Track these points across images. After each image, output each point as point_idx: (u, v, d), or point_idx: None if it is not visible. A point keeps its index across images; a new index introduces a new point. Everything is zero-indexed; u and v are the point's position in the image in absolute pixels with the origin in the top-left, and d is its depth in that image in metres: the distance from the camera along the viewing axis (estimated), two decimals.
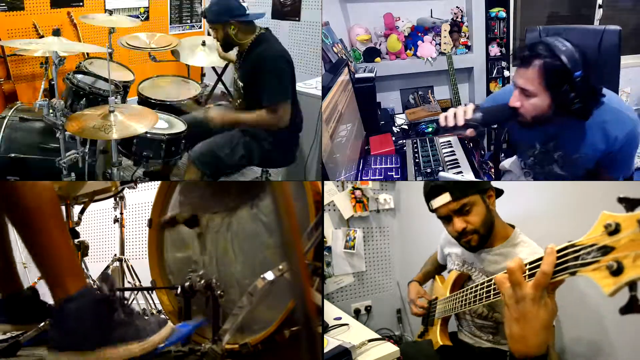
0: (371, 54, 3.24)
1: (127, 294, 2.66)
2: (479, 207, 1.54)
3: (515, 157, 2.06)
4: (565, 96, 1.48)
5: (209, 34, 4.25)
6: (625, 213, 0.72)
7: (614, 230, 0.72)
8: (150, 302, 2.58)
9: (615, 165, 1.66)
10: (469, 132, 1.68)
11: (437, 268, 1.99)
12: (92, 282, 2.41)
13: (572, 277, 0.81)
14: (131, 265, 2.65)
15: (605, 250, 0.73)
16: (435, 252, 2.04)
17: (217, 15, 2.40)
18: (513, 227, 1.63)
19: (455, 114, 1.64)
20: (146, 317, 1.13)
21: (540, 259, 0.84)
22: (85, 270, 2.36)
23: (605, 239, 0.74)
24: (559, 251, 0.83)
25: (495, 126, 2.45)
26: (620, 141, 1.58)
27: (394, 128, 3.20)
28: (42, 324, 1.25)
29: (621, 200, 0.72)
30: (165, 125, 2.58)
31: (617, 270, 0.70)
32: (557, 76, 1.46)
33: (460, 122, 1.62)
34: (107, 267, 2.64)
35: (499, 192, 1.68)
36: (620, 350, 1.58)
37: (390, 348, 1.63)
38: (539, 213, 1.90)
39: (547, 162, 1.77)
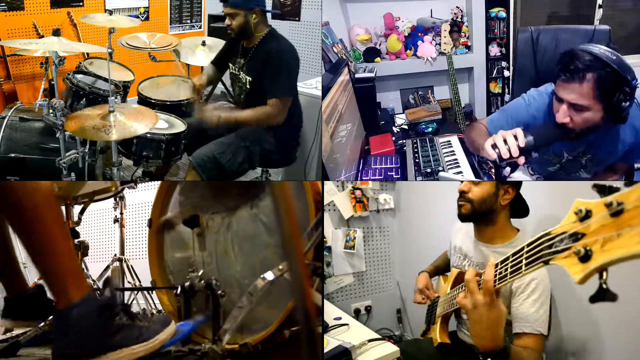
0: (371, 54, 3.24)
1: (127, 294, 2.66)
2: (487, 186, 1.62)
3: (520, 167, 2.06)
4: (618, 105, 1.45)
5: (209, 34, 4.26)
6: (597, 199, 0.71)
7: (584, 216, 0.71)
8: (150, 302, 2.58)
9: (638, 153, 1.71)
10: (521, 160, 1.47)
11: (447, 264, 2.00)
12: (92, 282, 2.41)
13: (567, 272, 0.82)
14: (131, 265, 2.65)
15: (577, 237, 0.73)
16: (446, 250, 2.06)
17: (245, 0, 2.38)
18: (518, 230, 1.66)
19: (506, 141, 1.45)
20: (149, 317, 1.13)
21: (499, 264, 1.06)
22: (86, 272, 2.36)
23: (577, 226, 0.73)
24: (535, 240, 0.86)
25: None
26: None
27: (394, 128, 3.20)
28: (42, 324, 1.26)
29: (596, 186, 0.71)
30: (165, 125, 2.58)
31: (584, 257, 0.69)
32: (611, 87, 1.42)
33: (516, 153, 1.45)
34: (107, 267, 2.64)
35: (524, 211, 1.68)
36: (610, 347, 1.61)
37: (390, 348, 1.62)
38: (539, 212, 1.90)
39: (574, 169, 1.77)
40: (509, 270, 1.01)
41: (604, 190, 0.69)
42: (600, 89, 1.42)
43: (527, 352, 1.37)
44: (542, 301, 1.43)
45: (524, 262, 0.93)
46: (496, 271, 1.06)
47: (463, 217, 1.67)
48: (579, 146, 1.71)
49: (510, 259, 1.00)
